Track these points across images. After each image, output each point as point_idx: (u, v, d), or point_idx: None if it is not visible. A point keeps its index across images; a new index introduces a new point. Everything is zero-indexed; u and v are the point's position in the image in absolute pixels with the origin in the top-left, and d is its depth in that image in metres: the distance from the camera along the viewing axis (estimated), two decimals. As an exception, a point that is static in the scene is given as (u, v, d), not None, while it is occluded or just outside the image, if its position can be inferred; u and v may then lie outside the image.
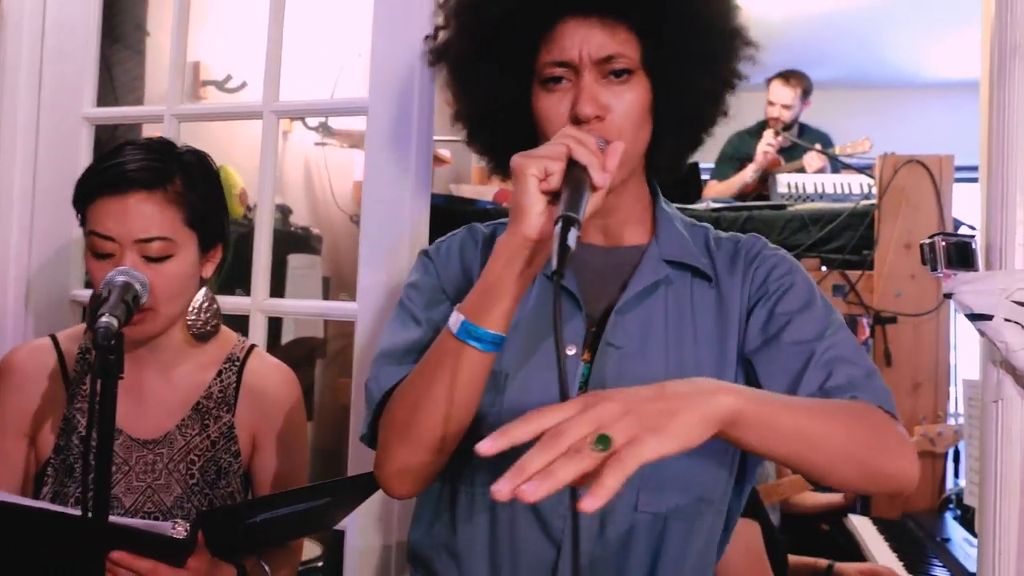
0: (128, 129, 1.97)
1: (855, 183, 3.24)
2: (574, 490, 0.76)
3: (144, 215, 1.17)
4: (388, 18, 1.53)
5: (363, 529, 1.54)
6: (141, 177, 1.17)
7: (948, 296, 1.23)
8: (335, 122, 3.19)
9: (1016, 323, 1.17)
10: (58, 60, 1.77)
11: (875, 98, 4.66)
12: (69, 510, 1.10)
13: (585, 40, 0.94)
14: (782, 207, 3.08)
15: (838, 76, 4.35)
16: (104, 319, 0.94)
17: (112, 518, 0.98)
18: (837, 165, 3.56)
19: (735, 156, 3.71)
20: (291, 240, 2.80)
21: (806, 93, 3.67)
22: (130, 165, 1.18)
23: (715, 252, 1.08)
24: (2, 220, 1.75)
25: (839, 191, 3.24)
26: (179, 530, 1.03)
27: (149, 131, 2.14)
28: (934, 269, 1.24)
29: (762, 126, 3.70)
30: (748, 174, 3.56)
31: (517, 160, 0.87)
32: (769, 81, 3.70)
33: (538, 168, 0.85)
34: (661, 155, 1.05)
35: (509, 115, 1.02)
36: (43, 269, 1.78)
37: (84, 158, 1.75)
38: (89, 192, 1.18)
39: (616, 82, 0.96)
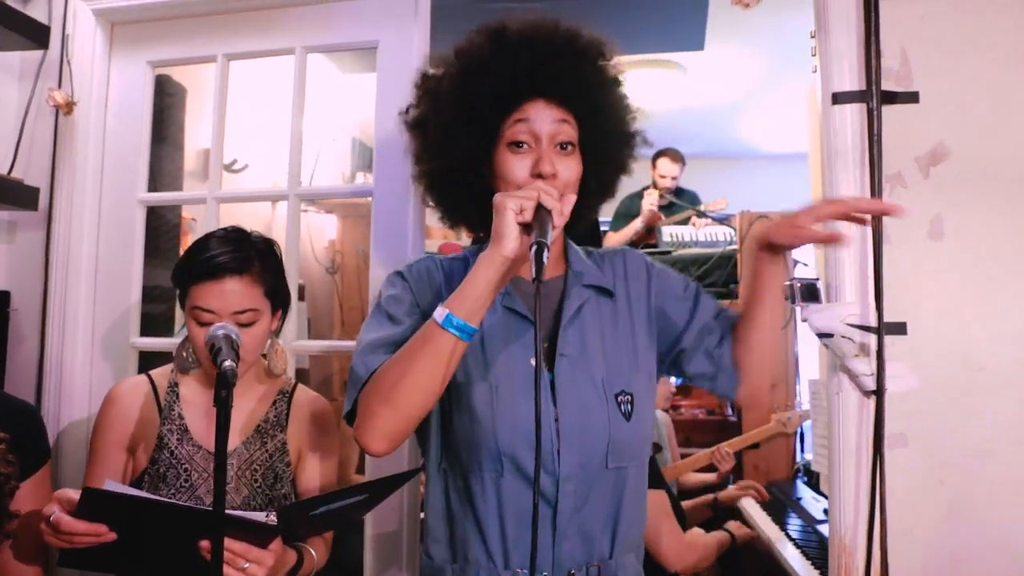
0: (169, 209, 2.00)
1: (721, 232, 3.52)
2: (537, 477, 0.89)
3: (237, 293, 1.23)
4: (388, 124, 1.60)
5: (379, 517, 1.59)
6: (232, 266, 1.23)
7: (804, 320, 1.40)
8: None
9: (848, 339, 1.36)
10: (117, 156, 1.78)
11: (729, 166, 4.91)
12: (198, 506, 1.15)
13: (547, 119, 1.03)
14: (667, 252, 3.33)
15: (702, 151, 4.61)
16: (227, 363, 1.01)
17: (227, 511, 1.00)
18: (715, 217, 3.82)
19: (626, 213, 3.89)
20: (283, 290, 2.82)
21: (683, 165, 3.91)
22: (221, 257, 1.23)
23: (604, 268, 1.17)
24: (73, 283, 1.74)
25: (709, 239, 3.51)
26: (272, 519, 1.07)
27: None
28: (793, 302, 1.44)
29: (644, 189, 3.89)
30: (637, 225, 3.74)
31: (499, 198, 0.93)
32: (655, 157, 3.89)
33: (515, 204, 0.92)
34: (582, 210, 1.09)
35: (470, 172, 1.07)
36: (106, 322, 1.78)
37: (138, 234, 1.78)
38: (191, 277, 1.24)
39: (563, 153, 1.04)
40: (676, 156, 3.86)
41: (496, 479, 1.05)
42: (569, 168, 1.04)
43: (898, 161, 1.38)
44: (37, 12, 1.73)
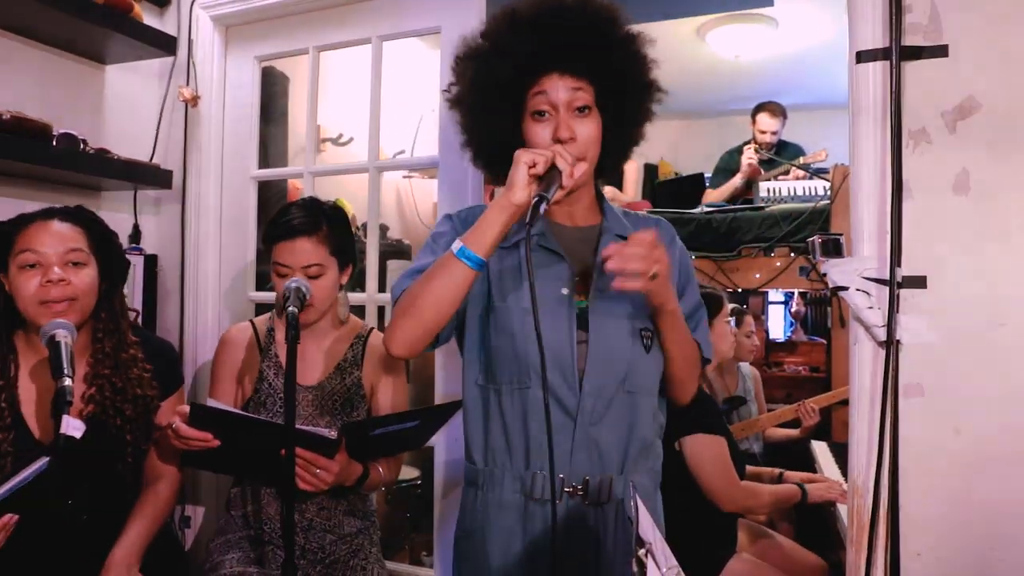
0: (277, 182, 2.32)
1: (820, 187, 3.41)
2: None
3: (306, 251, 1.49)
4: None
5: (448, 446, 1.82)
6: (303, 228, 1.49)
7: (823, 275, 1.48)
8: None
9: (864, 292, 1.41)
10: (233, 139, 2.09)
11: (836, 117, 4.63)
12: (272, 420, 1.42)
13: (562, 89, 1.15)
14: (760, 208, 3.29)
15: (810, 101, 4.40)
16: (291, 309, 1.27)
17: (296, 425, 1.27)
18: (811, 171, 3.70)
19: (726, 169, 3.84)
20: (389, 250, 2.99)
21: (785, 118, 3.79)
22: (295, 221, 1.50)
23: (638, 227, 1.26)
24: (203, 248, 2.08)
25: (807, 193, 3.42)
26: (333, 433, 1.32)
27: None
28: (814, 257, 1.51)
29: (744, 144, 3.82)
30: (736, 181, 3.70)
31: (518, 151, 1.08)
32: (756, 111, 3.79)
33: (529, 158, 1.06)
34: (606, 164, 1.24)
35: (505, 139, 1.19)
36: (229, 280, 2.10)
37: (252, 205, 2.08)
38: (273, 238, 1.52)
39: (580, 116, 1.16)
40: (776, 110, 3.73)
41: (523, 391, 1.21)
42: (586, 127, 1.17)
43: (924, 117, 1.37)
44: (169, 22, 2.08)
